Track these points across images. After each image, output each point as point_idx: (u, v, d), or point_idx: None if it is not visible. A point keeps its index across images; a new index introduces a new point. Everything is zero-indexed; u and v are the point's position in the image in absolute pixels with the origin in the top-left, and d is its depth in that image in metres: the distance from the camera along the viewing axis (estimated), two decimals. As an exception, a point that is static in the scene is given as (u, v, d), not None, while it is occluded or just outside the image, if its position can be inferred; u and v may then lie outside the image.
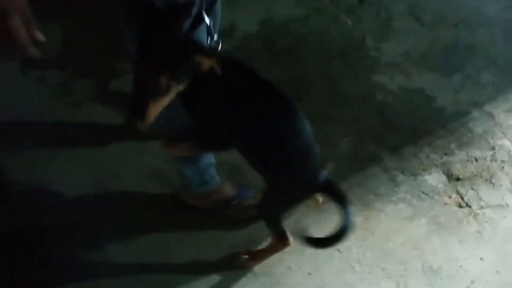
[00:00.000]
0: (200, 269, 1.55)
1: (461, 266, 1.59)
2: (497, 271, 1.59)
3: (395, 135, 1.93)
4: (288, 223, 1.48)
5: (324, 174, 1.34)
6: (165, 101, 1.02)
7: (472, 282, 1.55)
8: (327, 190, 1.34)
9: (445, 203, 1.75)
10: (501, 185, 1.81)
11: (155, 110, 1.01)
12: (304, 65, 2.09)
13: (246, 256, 1.54)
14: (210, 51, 1.09)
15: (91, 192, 1.68)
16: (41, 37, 0.91)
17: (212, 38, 1.18)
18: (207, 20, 1.11)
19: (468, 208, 1.74)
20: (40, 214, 1.63)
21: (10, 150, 1.77)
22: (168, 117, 1.06)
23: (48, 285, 1.49)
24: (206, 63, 1.02)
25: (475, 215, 1.72)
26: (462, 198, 1.77)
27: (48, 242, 1.58)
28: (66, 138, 1.82)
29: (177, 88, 1.03)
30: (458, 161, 1.87)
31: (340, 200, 1.31)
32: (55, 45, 2.10)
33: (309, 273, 1.54)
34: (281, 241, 1.45)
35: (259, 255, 1.54)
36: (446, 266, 1.58)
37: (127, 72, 2.03)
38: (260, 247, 1.57)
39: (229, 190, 1.62)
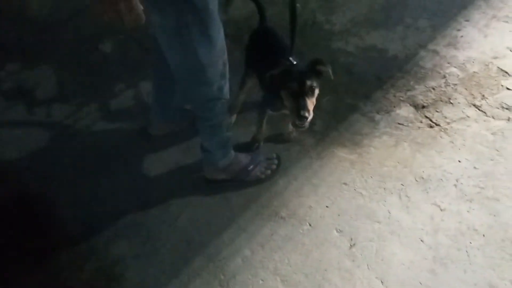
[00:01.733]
0: (236, 229, 1.79)
1: (445, 170, 1.91)
2: (475, 167, 1.92)
3: (364, 86, 2.26)
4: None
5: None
6: (314, 99, 1.60)
7: (457, 180, 1.87)
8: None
9: (419, 127, 2.08)
10: (459, 103, 2.16)
11: (312, 107, 1.58)
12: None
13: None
14: (324, 62, 1.61)
15: (131, 195, 1.92)
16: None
17: None
18: None
19: (438, 126, 2.08)
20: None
21: (47, 181, 1.98)
22: None
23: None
24: (324, 69, 1.60)
25: (445, 130, 2.06)
26: (431, 120, 2.10)
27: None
28: (90, 158, 2.05)
29: (318, 89, 1.60)
30: (420, 93, 2.22)
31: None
32: (51, 85, 2.34)
33: (327, 206, 1.82)
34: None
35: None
36: (433, 173, 1.90)
37: (122, 91, 2.30)
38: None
39: (243, 158, 1.89)
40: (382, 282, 1.61)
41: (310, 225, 1.78)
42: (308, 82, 1.57)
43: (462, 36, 2.45)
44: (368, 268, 1.64)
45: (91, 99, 2.28)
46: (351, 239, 1.72)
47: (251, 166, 1.88)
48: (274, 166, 1.93)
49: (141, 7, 1.29)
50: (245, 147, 2.00)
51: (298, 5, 1.61)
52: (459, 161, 1.94)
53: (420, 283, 1.59)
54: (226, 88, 1.60)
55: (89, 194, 1.93)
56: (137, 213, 1.86)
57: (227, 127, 1.75)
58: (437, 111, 2.13)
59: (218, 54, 1.48)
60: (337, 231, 1.75)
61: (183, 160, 2.01)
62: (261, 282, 1.64)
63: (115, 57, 2.54)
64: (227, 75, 1.57)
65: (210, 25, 1.39)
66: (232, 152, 1.86)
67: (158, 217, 1.84)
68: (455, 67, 2.31)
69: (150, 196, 1.90)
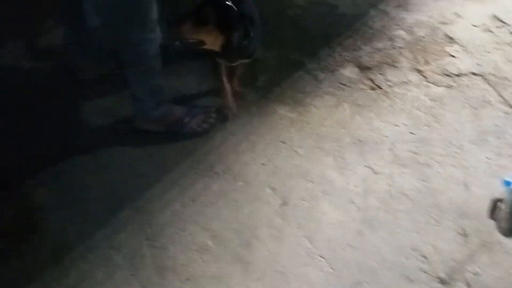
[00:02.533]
0: (167, 182, 1.73)
1: (381, 133, 1.91)
2: (411, 132, 1.93)
3: (310, 42, 2.20)
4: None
5: None
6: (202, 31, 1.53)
7: (392, 144, 1.88)
8: None
9: (361, 89, 2.06)
10: (403, 67, 2.15)
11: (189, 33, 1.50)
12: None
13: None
14: None
15: (54, 140, 1.79)
16: None
17: None
18: None
19: (380, 89, 2.06)
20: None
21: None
22: None
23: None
24: None
25: (386, 93, 2.05)
26: (373, 82, 2.08)
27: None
28: (14, 98, 1.89)
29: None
30: (365, 54, 2.18)
31: None
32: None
33: (263, 164, 1.79)
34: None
35: (225, 99, 1.88)
36: (370, 136, 1.90)
37: (52, 28, 2.12)
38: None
39: (179, 109, 1.81)
40: (309, 240, 1.62)
41: (244, 181, 1.75)
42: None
43: (413, -2, 2.42)
44: (297, 226, 1.65)
45: (17, 36, 2.07)
46: (284, 198, 1.71)
47: (187, 118, 1.81)
48: (211, 120, 1.86)
49: None
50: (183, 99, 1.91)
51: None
52: (396, 125, 1.95)
53: (347, 243, 1.61)
54: (158, 30, 1.49)
55: (10, 138, 1.79)
56: (61, 160, 1.76)
57: (159, 73, 1.64)
58: (380, 74, 2.12)
59: None
60: (270, 189, 1.73)
61: (115, 107, 1.90)
62: (189, 236, 1.61)
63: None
64: (158, 16, 1.46)
65: None
66: (167, 103, 1.76)
67: (84, 166, 1.75)
68: (402, 29, 2.29)
69: (76, 144, 1.80)
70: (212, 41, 1.56)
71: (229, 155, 1.81)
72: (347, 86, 2.06)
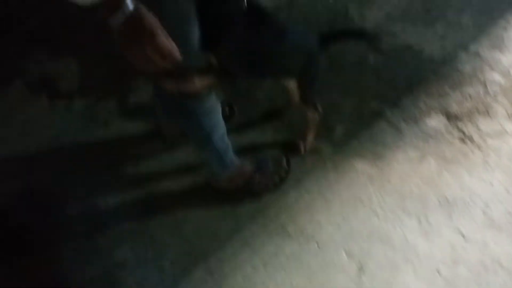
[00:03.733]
0: (239, 242, 1.71)
1: (473, 192, 1.74)
2: (508, 191, 1.73)
3: (393, 91, 2.08)
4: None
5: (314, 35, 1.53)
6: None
7: (486, 205, 1.70)
8: (330, 40, 1.57)
9: (449, 141, 1.90)
10: (498, 115, 1.95)
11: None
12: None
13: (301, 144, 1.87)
14: None
15: (138, 197, 1.86)
16: None
17: None
18: None
19: (471, 141, 1.89)
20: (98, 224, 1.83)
21: (59, 175, 1.96)
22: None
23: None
24: None
25: (479, 146, 1.87)
26: (463, 133, 1.91)
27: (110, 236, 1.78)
28: (103, 156, 2.00)
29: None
30: (454, 101, 2.02)
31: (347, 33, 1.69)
32: (74, 77, 2.31)
33: (338, 225, 1.71)
34: (316, 110, 1.77)
35: (307, 136, 1.86)
36: (460, 196, 1.74)
37: (141, 86, 2.23)
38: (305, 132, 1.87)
39: (248, 167, 1.78)
40: (389, 315, 1.49)
41: (318, 244, 1.68)
42: None
43: (509, 37, 2.20)
44: (375, 298, 1.53)
45: (111, 93, 2.21)
46: (360, 264, 1.61)
47: (256, 175, 1.78)
48: (283, 172, 1.81)
49: (172, 43, 0.99)
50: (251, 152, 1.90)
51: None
52: (491, 183, 1.76)
53: (431, 320, 1.47)
54: (214, 100, 1.46)
55: (97, 192, 1.90)
56: (143, 216, 1.81)
57: (220, 137, 1.58)
58: (471, 123, 1.94)
59: None
60: (346, 254, 1.64)
61: (195, 163, 1.92)
62: (259, 303, 1.57)
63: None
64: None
65: None
66: (235, 162, 1.73)
67: (163, 222, 1.79)
68: (497, 72, 2.09)
69: (157, 199, 1.85)
70: None
71: (302, 214, 1.75)
72: (433, 138, 1.91)
